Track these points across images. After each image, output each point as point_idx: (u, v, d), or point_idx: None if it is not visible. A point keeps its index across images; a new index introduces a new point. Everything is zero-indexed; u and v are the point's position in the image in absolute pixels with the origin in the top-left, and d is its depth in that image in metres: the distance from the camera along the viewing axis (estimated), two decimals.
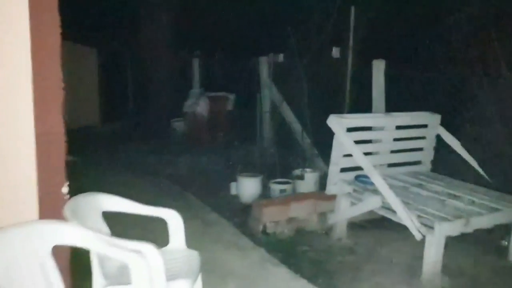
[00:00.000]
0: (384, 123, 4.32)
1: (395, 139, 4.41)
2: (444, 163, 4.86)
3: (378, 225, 4.33)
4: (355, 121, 4.14)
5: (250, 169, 5.68)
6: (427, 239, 3.32)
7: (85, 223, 2.14)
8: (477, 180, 4.34)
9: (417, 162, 4.63)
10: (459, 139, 4.49)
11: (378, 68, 5.38)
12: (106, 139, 9.24)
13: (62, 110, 2.34)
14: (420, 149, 4.59)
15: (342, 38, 5.64)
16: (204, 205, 4.77)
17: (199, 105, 8.36)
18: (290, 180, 5.29)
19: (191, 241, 3.61)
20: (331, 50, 5.69)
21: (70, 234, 1.92)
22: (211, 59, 9.16)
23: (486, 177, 4.25)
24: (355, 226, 4.42)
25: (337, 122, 4.00)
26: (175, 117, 9.29)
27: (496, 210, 3.57)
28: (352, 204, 4.09)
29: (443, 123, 4.55)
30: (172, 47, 9.89)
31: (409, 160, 4.57)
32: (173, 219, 2.58)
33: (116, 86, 11.72)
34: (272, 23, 6.96)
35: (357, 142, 4.10)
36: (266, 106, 7.36)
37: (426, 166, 4.63)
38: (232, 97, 8.42)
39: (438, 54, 5.62)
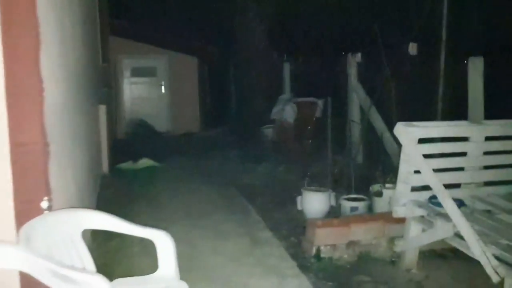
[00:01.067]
0: (468, 133, 3.53)
1: (486, 153, 3.60)
2: None
3: (462, 255, 3.55)
4: (428, 130, 3.45)
5: (327, 182, 5.18)
6: (507, 282, 2.56)
7: (50, 245, 1.91)
8: None
9: None
10: None
11: (475, 67, 4.54)
12: (199, 145, 9.33)
13: (42, 119, 2.13)
14: None
15: (426, 32, 4.85)
16: (261, 221, 4.39)
17: (285, 112, 8.01)
18: (365, 197, 4.67)
19: (227, 264, 3.31)
20: (412, 46, 4.90)
21: (11, 258, 1.69)
22: (301, 63, 8.74)
23: None
24: (433, 254, 3.70)
25: (405, 132, 3.35)
26: (267, 124, 9.08)
27: None
28: (424, 230, 3.40)
29: None
30: (265, 52, 9.69)
31: (504, 179, 3.71)
32: (163, 242, 2.24)
33: (215, 93, 11.90)
34: (354, 19, 6.32)
35: (431, 156, 3.43)
36: (354, 112, 6.75)
37: None
38: (320, 102, 7.91)
39: None
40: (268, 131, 9.04)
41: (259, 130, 9.28)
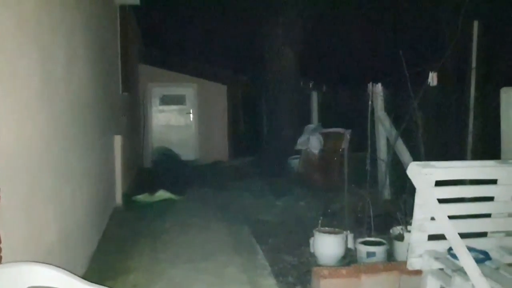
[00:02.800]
0: (496, 175, 3.10)
1: None
2: None
3: None
4: (447, 171, 3.03)
5: (347, 221, 4.78)
6: None
7: None
8: None
9: None
10: None
11: (508, 97, 4.09)
12: (224, 175, 9.11)
13: None
14: None
15: (455, 61, 4.45)
16: (267, 266, 4.03)
17: (310, 142, 7.67)
18: (384, 241, 4.24)
19: None
20: (432, 76, 4.50)
21: None
22: (329, 92, 8.43)
23: None
24: None
25: (419, 173, 2.96)
26: (295, 155, 8.77)
27: None
28: (442, 286, 2.96)
29: None
30: (294, 81, 9.46)
31: None
32: None
33: (245, 121, 11.72)
34: (380, 47, 5.98)
35: (452, 200, 3.02)
36: (380, 144, 6.35)
37: None
38: (348, 133, 7.53)
39: None
40: (295, 162, 8.71)
41: (286, 161, 8.98)
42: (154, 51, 10.63)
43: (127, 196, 6.34)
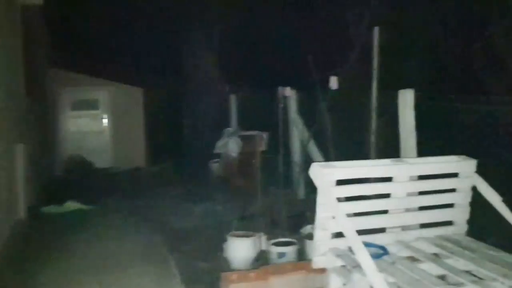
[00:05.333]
0: (391, 173, 3.27)
1: (411, 193, 3.34)
2: (489, 223, 3.66)
3: None
4: (347, 171, 3.15)
5: (263, 223, 4.85)
6: None
7: None
8: None
9: (447, 223, 3.48)
10: (503, 194, 3.30)
11: (406, 100, 4.34)
12: (141, 182, 8.87)
13: None
14: (450, 206, 3.45)
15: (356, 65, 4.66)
16: (177, 275, 3.96)
17: (229, 145, 7.69)
18: (295, 241, 4.33)
19: None
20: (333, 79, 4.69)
21: None
22: (247, 95, 8.49)
23: None
24: None
25: (320, 174, 3.06)
26: (214, 158, 8.73)
27: None
28: (344, 283, 3.06)
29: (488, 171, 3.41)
30: (212, 84, 9.45)
31: (434, 221, 3.45)
32: None
33: (164, 126, 11.50)
34: (292, 51, 6.13)
35: (354, 198, 3.14)
36: (295, 147, 6.50)
37: (460, 229, 3.47)
38: (266, 136, 7.63)
39: (489, 80, 4.43)
40: (215, 166, 8.69)
41: (206, 165, 8.92)
42: (64, 54, 10.11)
43: (33, 209, 5.96)
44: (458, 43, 4.87)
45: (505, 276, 2.71)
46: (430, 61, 4.93)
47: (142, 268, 4.11)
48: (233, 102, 8.98)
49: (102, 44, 10.15)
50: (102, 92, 10.34)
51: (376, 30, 4.72)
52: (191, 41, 9.84)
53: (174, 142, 11.38)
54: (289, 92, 6.02)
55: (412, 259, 3.09)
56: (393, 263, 2.97)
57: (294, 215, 5.37)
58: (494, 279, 2.70)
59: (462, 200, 3.42)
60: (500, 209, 3.25)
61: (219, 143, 8.16)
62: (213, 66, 9.52)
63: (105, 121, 10.58)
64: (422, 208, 3.40)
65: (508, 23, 4.05)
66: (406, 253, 3.16)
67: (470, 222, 3.48)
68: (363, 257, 2.62)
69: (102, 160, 9.81)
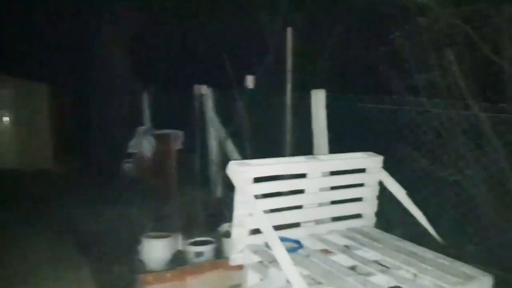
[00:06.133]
0: (304, 169, 3.37)
1: (323, 188, 3.47)
2: (396, 216, 3.92)
3: None
4: (263, 168, 3.20)
5: (180, 223, 4.76)
6: None
7: None
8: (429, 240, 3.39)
9: (356, 216, 3.66)
10: (407, 188, 3.54)
11: (318, 100, 4.49)
12: (49, 184, 8.33)
13: None
14: (359, 200, 3.63)
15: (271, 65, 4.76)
16: (90, 279, 3.79)
17: (142, 145, 7.48)
18: (212, 239, 4.32)
19: None
20: (249, 79, 4.77)
21: None
22: (162, 92, 8.31)
23: (437, 237, 3.28)
24: None
25: (237, 172, 3.07)
26: (127, 158, 8.43)
27: None
28: (261, 279, 3.11)
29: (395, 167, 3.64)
30: (124, 81, 9.13)
31: (344, 214, 3.61)
32: None
33: (70, 125, 10.90)
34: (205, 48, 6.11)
35: (270, 195, 3.20)
36: (212, 145, 6.48)
37: (368, 221, 3.67)
38: (181, 134, 7.52)
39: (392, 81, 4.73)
40: (128, 166, 8.40)
41: (118, 166, 8.59)
42: None
43: None
44: (365, 46, 5.16)
45: (409, 264, 2.91)
46: (340, 62, 5.18)
47: (55, 274, 3.86)
48: (146, 100, 8.74)
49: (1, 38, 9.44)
50: (2, 89, 9.56)
51: (289, 31, 4.84)
52: (101, 36, 9.45)
53: (83, 142, 10.84)
54: (205, 90, 5.99)
55: (325, 251, 3.21)
56: (307, 256, 3.07)
57: (211, 214, 5.35)
58: (399, 268, 2.89)
59: (370, 194, 3.61)
60: (405, 202, 3.48)
61: (132, 143, 7.91)
62: (125, 62, 9.22)
63: (6, 119, 9.82)
64: (334, 202, 3.55)
65: (409, 27, 4.35)
66: (320, 246, 3.28)
67: (378, 214, 3.69)
68: (279, 252, 2.68)
69: (2, 162, 9.07)
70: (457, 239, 4.14)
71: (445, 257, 3.03)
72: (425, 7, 4.21)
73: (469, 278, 2.72)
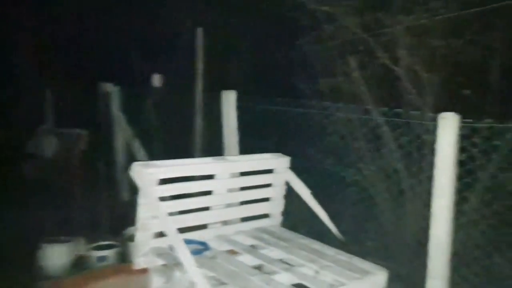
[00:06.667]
0: (212, 170, 3.35)
1: (231, 189, 3.48)
2: (302, 215, 4.03)
3: None
4: (170, 170, 3.13)
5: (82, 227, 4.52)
6: None
7: None
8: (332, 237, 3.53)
9: (264, 216, 3.72)
10: (314, 187, 3.66)
11: (228, 101, 4.50)
12: None
13: None
14: (266, 200, 3.69)
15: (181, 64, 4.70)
16: None
17: (43, 145, 7.02)
18: (116, 243, 4.15)
19: None
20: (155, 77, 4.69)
21: None
22: (64, 90, 7.85)
23: (338, 235, 3.43)
24: None
25: (141, 173, 2.97)
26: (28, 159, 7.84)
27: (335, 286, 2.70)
28: (165, 282, 3.03)
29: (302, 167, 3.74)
30: (25, 78, 8.52)
31: (252, 214, 3.65)
32: None
33: None
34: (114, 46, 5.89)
35: (178, 196, 3.13)
36: (119, 146, 6.25)
37: (275, 220, 3.74)
38: (85, 134, 7.15)
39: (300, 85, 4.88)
40: (28, 167, 7.83)
41: (17, 167, 7.98)
42: None
43: None
44: (276, 49, 5.27)
45: (312, 261, 3.01)
46: (252, 64, 5.24)
47: None
48: (47, 97, 8.20)
49: None
50: None
51: (199, 31, 4.80)
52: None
53: None
54: (111, 88, 5.75)
55: (232, 252, 3.21)
56: (213, 257, 3.05)
57: (117, 217, 5.15)
58: (303, 265, 2.98)
59: (277, 194, 3.68)
60: (309, 201, 3.59)
61: (32, 142, 7.40)
62: (26, 58, 8.61)
63: None
64: (243, 203, 3.57)
65: (316, 33, 4.52)
66: (226, 247, 3.28)
67: (285, 214, 3.77)
68: (183, 254, 2.63)
69: None
70: (358, 236, 4.37)
71: (345, 253, 3.16)
72: (330, 15, 4.39)
73: (366, 273, 2.87)
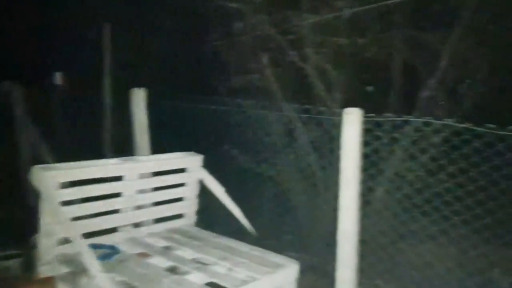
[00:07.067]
0: (120, 172, 3.23)
1: (142, 190, 3.38)
2: (218, 213, 4.01)
3: None
4: (73, 172, 2.97)
5: None
6: None
7: None
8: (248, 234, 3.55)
9: (178, 216, 3.65)
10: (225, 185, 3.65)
11: (138, 99, 4.36)
12: None
13: None
14: (180, 200, 3.63)
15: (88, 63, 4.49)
16: None
17: None
18: (20, 252, 3.88)
19: None
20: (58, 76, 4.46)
21: None
22: None
23: (252, 231, 3.47)
24: None
25: (42, 177, 2.79)
26: None
27: (248, 282, 2.71)
28: None
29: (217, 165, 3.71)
30: None
31: (165, 215, 3.57)
32: None
33: None
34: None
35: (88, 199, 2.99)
36: (22, 148, 5.83)
37: (189, 220, 3.69)
38: None
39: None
40: None
41: None
42: None
43: None
44: (190, 47, 5.20)
45: (224, 259, 3.00)
46: (163, 61, 5.12)
47: None
48: None
49: None
50: None
51: (106, 26, 4.62)
52: None
53: None
54: (12, 86, 5.35)
55: (144, 255, 3.12)
56: (123, 261, 2.95)
57: (21, 224, 4.82)
58: (216, 263, 2.96)
59: (190, 193, 3.64)
60: (223, 199, 3.58)
61: None
62: None
63: None
64: (157, 204, 3.48)
65: (227, 30, 4.52)
66: (138, 249, 3.18)
67: (200, 213, 3.73)
68: (89, 260, 2.51)
69: None
70: (275, 231, 4.44)
71: (259, 249, 3.20)
72: (241, 13, 4.40)
73: (278, 266, 2.92)
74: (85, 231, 2.91)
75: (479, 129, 3.00)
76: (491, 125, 3.00)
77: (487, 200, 3.11)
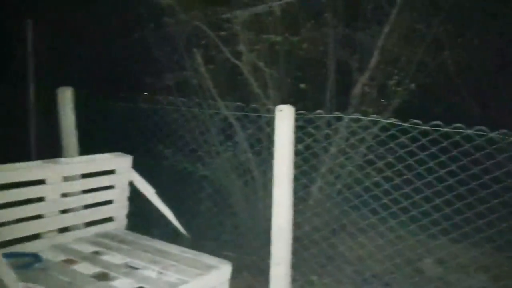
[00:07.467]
0: (42, 175, 3.05)
1: (67, 194, 3.21)
2: (149, 216, 3.90)
3: None
4: None
5: None
6: None
7: None
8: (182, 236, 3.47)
9: (107, 220, 3.50)
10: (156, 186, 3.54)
11: (65, 98, 4.15)
12: None
13: None
14: (109, 203, 3.48)
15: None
16: None
17: None
18: None
19: None
20: None
21: None
22: None
23: (184, 232, 3.39)
24: None
25: None
26: None
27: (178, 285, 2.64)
28: None
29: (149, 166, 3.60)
30: None
31: (93, 219, 3.41)
32: None
33: None
34: None
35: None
36: None
37: (120, 223, 3.55)
38: None
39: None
40: None
41: None
42: None
43: None
44: (121, 43, 5.02)
45: (155, 262, 2.90)
46: (94, 59, 4.92)
47: None
48: None
49: None
50: None
51: (29, 23, 4.36)
52: None
53: None
54: None
55: (69, 261, 2.96)
56: (45, 269, 2.78)
57: None
58: (145, 267, 2.86)
59: (120, 196, 3.50)
60: (154, 200, 3.48)
61: None
62: None
63: None
64: (86, 207, 3.33)
65: (158, 27, 4.40)
66: (63, 256, 3.01)
67: (132, 215, 3.60)
68: (2, 269, 2.34)
69: None
70: (213, 231, 4.38)
71: (191, 251, 3.12)
72: (173, 9, 4.30)
73: (209, 268, 2.86)
74: (4, 239, 2.72)
75: (404, 124, 3.08)
76: (416, 121, 3.09)
77: (413, 193, 3.21)
